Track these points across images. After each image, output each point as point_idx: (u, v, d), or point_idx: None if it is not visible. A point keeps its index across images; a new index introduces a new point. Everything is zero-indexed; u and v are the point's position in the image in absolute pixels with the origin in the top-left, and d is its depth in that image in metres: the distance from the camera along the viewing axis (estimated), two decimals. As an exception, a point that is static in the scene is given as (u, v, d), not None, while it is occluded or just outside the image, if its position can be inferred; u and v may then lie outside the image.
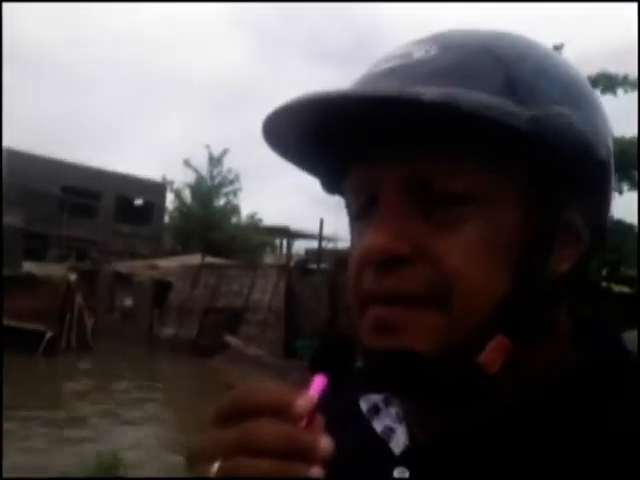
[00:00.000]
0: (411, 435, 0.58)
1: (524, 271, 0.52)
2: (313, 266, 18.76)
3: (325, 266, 18.51)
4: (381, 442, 0.59)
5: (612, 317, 14.06)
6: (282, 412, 0.44)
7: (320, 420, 0.45)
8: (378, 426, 0.61)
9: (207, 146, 29.05)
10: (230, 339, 16.43)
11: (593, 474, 0.49)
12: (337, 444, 0.45)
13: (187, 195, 29.39)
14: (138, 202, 33.39)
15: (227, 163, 29.49)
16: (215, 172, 29.40)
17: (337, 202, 0.62)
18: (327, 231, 25.62)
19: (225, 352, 16.21)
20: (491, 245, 0.52)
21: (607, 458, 0.49)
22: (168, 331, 18.56)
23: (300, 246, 37.69)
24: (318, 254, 20.51)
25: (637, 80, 15.54)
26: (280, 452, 0.42)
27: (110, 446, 6.94)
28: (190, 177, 29.34)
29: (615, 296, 16.19)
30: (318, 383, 0.47)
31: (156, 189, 32.22)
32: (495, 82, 0.52)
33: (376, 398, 0.62)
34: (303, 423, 0.44)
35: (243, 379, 13.56)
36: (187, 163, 29.03)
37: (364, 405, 0.63)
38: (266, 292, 16.86)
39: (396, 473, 0.56)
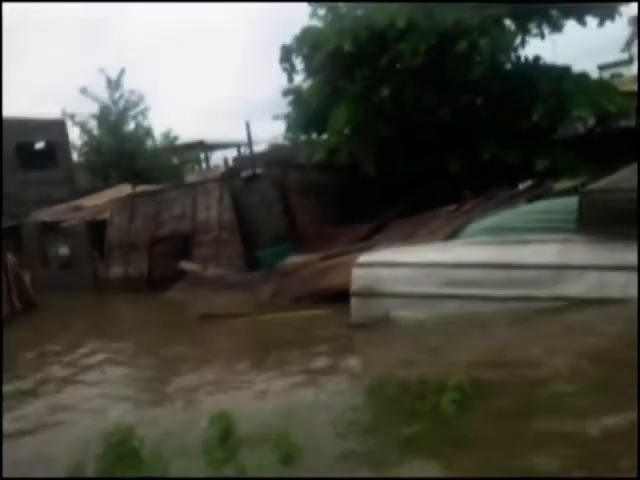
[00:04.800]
0: None
1: None
2: (246, 173, 17.69)
3: (260, 171, 17.52)
4: None
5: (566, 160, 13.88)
6: None
7: None
8: None
9: (101, 70, 26.69)
10: (185, 265, 15.50)
11: None
12: None
13: (94, 126, 27.19)
14: (40, 145, 30.73)
15: (127, 84, 27.31)
16: (117, 96, 27.21)
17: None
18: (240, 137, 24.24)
19: (183, 279, 15.31)
20: None
21: None
22: (116, 271, 17.36)
23: (217, 158, 36.15)
24: (252, 159, 19.44)
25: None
26: None
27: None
28: (92, 107, 27.09)
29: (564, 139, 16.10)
30: None
31: (56, 127, 29.60)
32: None
33: None
34: None
35: (209, 305, 12.76)
36: (84, 91, 26.67)
37: None
38: (211, 209, 15.81)
39: None
